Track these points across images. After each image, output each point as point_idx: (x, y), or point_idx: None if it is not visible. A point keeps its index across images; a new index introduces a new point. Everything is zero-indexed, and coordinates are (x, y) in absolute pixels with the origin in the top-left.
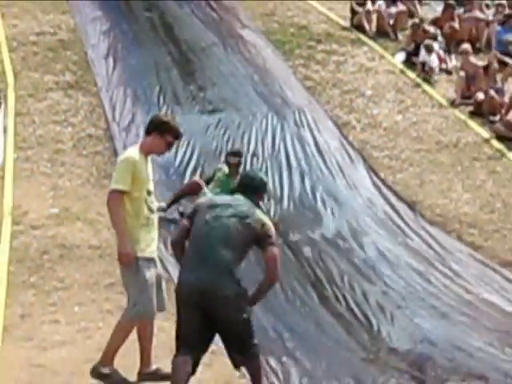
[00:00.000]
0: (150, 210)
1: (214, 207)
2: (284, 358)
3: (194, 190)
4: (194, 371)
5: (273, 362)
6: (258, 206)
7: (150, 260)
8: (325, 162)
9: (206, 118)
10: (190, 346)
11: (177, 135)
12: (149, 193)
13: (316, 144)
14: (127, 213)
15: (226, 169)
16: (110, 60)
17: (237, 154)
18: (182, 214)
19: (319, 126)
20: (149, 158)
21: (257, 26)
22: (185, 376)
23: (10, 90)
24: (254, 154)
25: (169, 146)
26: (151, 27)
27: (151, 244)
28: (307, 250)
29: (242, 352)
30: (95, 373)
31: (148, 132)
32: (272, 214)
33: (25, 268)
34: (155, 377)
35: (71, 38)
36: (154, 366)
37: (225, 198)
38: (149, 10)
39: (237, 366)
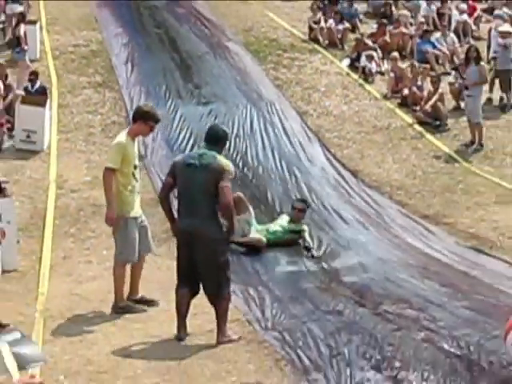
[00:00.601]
0: (136, 180)
1: (189, 165)
2: (260, 288)
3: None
4: (193, 296)
5: (251, 291)
6: (220, 153)
7: (136, 218)
8: (290, 141)
9: (201, 108)
10: (186, 276)
11: (157, 120)
12: (135, 167)
13: (283, 128)
14: (119, 183)
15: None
16: (129, 65)
17: (303, 201)
18: None
19: (285, 114)
20: (136, 140)
21: (239, 39)
22: (185, 305)
23: (54, 88)
24: (237, 136)
25: (151, 129)
26: (159, 40)
27: (135, 206)
28: (276, 205)
29: (217, 292)
30: (114, 309)
31: (134, 120)
32: (250, 179)
33: (66, 222)
34: (140, 302)
35: (99, 48)
36: (139, 295)
37: (194, 156)
38: (158, 27)
39: (212, 304)
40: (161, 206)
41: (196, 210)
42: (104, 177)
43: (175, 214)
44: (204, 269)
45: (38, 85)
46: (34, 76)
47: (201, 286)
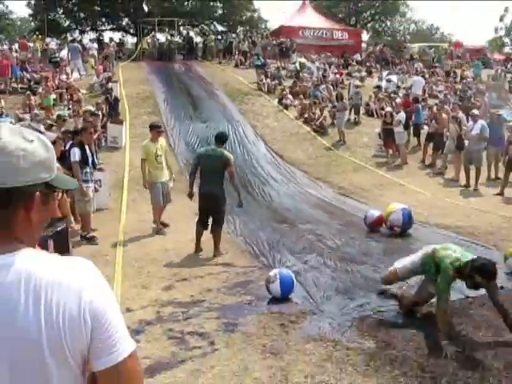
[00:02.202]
0: (157, 162)
1: (207, 155)
2: (234, 217)
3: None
4: (205, 227)
5: (230, 218)
6: (225, 148)
7: (160, 183)
8: (248, 141)
9: (202, 124)
10: (202, 217)
11: (158, 126)
12: (157, 156)
13: (244, 134)
14: (148, 165)
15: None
16: (165, 103)
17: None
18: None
19: (246, 127)
20: (159, 140)
21: (221, 88)
22: (201, 230)
23: (127, 114)
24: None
25: (158, 133)
26: (180, 90)
27: (159, 176)
28: (242, 174)
29: (218, 223)
30: (156, 232)
31: (150, 130)
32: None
33: (133, 184)
34: (163, 224)
35: (150, 94)
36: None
37: (210, 150)
38: (180, 83)
39: (211, 232)
40: (189, 178)
41: (212, 181)
42: (141, 163)
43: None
44: (213, 212)
45: (113, 96)
46: (111, 90)
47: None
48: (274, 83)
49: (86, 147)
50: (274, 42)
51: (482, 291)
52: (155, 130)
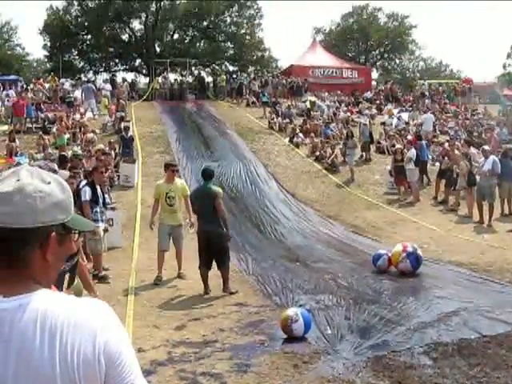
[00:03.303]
0: (168, 205)
1: (198, 194)
2: (246, 255)
3: None
4: (209, 268)
5: (242, 257)
6: (213, 183)
7: (169, 226)
8: (259, 179)
9: (215, 163)
10: (205, 254)
11: (173, 165)
12: (168, 197)
13: (256, 172)
14: (160, 205)
15: None
16: (177, 142)
17: None
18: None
19: (257, 166)
20: (175, 181)
21: (232, 127)
22: (206, 271)
23: (139, 153)
24: (233, 177)
25: (173, 172)
26: (193, 130)
27: (168, 219)
28: (254, 212)
29: (223, 261)
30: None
31: (165, 170)
32: (239, 197)
33: (145, 222)
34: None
35: (162, 134)
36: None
37: (199, 188)
38: (192, 122)
39: (218, 267)
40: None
41: (208, 219)
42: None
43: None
44: (215, 252)
45: (129, 135)
46: (127, 128)
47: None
48: (285, 122)
49: (98, 187)
50: (285, 81)
51: (499, 329)
52: (169, 169)
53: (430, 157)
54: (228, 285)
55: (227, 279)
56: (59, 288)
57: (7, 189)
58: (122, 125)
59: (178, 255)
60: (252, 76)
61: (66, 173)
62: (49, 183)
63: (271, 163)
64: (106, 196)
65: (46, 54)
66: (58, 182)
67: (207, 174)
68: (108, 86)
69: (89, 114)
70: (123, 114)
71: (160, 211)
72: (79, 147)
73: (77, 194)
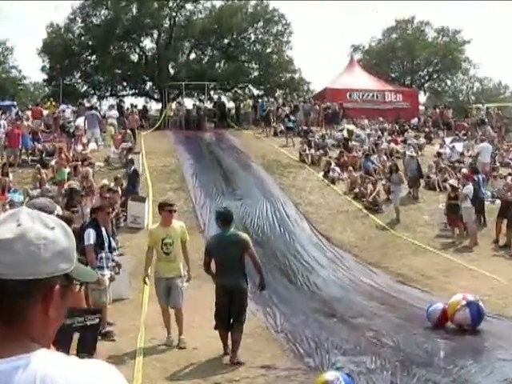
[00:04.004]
0: (164, 252)
1: (220, 244)
2: (274, 309)
3: None
4: (229, 328)
5: (269, 311)
6: (235, 228)
7: (166, 279)
8: (289, 219)
9: (237, 202)
10: (224, 311)
11: (170, 204)
12: (165, 244)
13: (285, 212)
14: (156, 254)
15: None
16: (194, 177)
17: None
18: None
19: (287, 204)
20: (173, 225)
21: (258, 161)
22: (225, 333)
23: (150, 191)
24: (258, 217)
25: (170, 212)
26: (211, 162)
27: (165, 270)
28: (282, 258)
29: (239, 320)
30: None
31: (160, 213)
32: (265, 241)
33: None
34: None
35: (176, 168)
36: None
37: (220, 237)
38: (211, 154)
39: (232, 332)
40: (207, 273)
41: (232, 272)
42: (146, 251)
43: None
44: (236, 309)
45: (132, 168)
46: (131, 162)
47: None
48: (319, 154)
49: (103, 228)
50: (318, 107)
51: None
52: (165, 209)
53: (487, 193)
54: (238, 354)
55: (238, 346)
56: (65, 348)
57: (7, 235)
58: (130, 157)
59: (178, 316)
60: (280, 101)
61: (71, 215)
62: (52, 229)
63: (303, 202)
64: (112, 239)
65: (45, 77)
66: (62, 227)
67: (225, 219)
68: (114, 113)
69: (92, 145)
70: (131, 144)
71: (155, 261)
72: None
73: (79, 236)
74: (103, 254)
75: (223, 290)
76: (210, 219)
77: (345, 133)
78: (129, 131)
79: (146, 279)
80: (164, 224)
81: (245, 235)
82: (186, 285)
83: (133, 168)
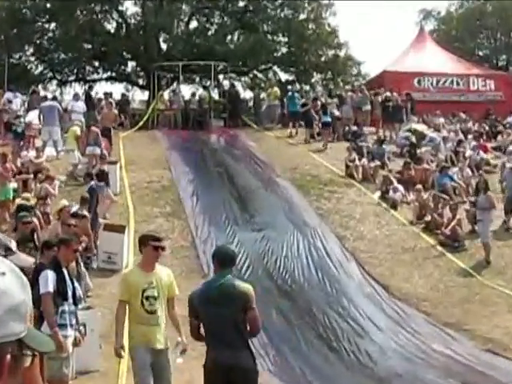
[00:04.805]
0: (147, 311)
1: (211, 298)
2: None
3: None
4: None
5: None
6: (234, 274)
7: (149, 350)
8: (331, 260)
9: (255, 234)
10: None
11: (157, 238)
12: (147, 298)
13: (325, 250)
14: (131, 313)
15: None
16: (194, 198)
17: None
18: None
19: (327, 238)
20: (157, 270)
21: (286, 175)
22: None
23: (131, 217)
24: (285, 257)
25: (156, 249)
26: (219, 177)
27: (148, 336)
28: (321, 316)
29: None
30: None
31: (140, 250)
32: (297, 293)
33: None
34: None
35: (169, 184)
36: None
37: (215, 287)
38: (218, 166)
39: None
40: (195, 339)
41: (227, 343)
42: (116, 310)
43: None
44: None
45: (90, 185)
46: (87, 177)
47: None
48: (374, 165)
49: (65, 270)
50: (373, 98)
51: None
52: (149, 244)
53: None
54: None
55: None
56: None
57: None
58: (97, 168)
59: None
60: (319, 89)
61: (31, 259)
62: (3, 274)
63: (350, 234)
64: (78, 286)
65: None
66: (15, 273)
67: (223, 259)
68: (81, 106)
69: (50, 150)
70: (105, 151)
71: (131, 323)
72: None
73: (32, 282)
74: (66, 307)
75: (214, 370)
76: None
77: (411, 136)
78: (96, 129)
79: (122, 351)
80: (145, 267)
81: (245, 286)
82: (180, 360)
83: (91, 185)
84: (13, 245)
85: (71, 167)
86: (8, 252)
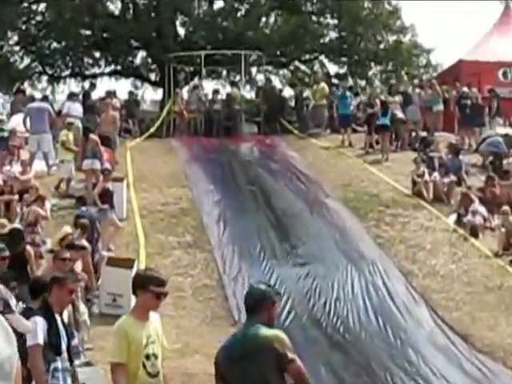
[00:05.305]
0: (150, 374)
1: (233, 358)
2: None
3: None
4: None
5: None
6: (270, 320)
7: None
8: (394, 303)
9: (298, 270)
10: None
11: (161, 282)
12: (148, 357)
13: (387, 289)
14: (129, 376)
15: None
16: (221, 224)
17: None
18: None
19: (389, 274)
20: (152, 319)
21: (337, 195)
22: None
23: (142, 249)
24: (337, 299)
25: (158, 296)
26: (253, 197)
27: None
28: (382, 373)
29: None
30: None
31: (134, 293)
32: (352, 344)
33: None
34: None
35: (189, 206)
36: None
37: (233, 344)
38: (251, 183)
39: None
40: None
41: None
42: (113, 376)
43: None
44: None
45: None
46: (79, 201)
47: None
48: (449, 181)
49: (58, 317)
50: (447, 96)
51: None
52: (153, 291)
53: None
54: None
55: None
56: None
57: None
58: (99, 187)
59: None
60: (376, 84)
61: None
62: None
63: (419, 269)
64: (76, 337)
65: None
66: (3, 327)
67: (250, 301)
68: (78, 108)
69: (39, 165)
70: (108, 164)
71: None
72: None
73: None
74: (59, 364)
75: None
76: None
77: (501, 142)
78: (95, 138)
79: None
80: (140, 316)
81: (272, 333)
82: None
83: (81, 211)
84: (13, 302)
85: (63, 184)
86: (6, 309)
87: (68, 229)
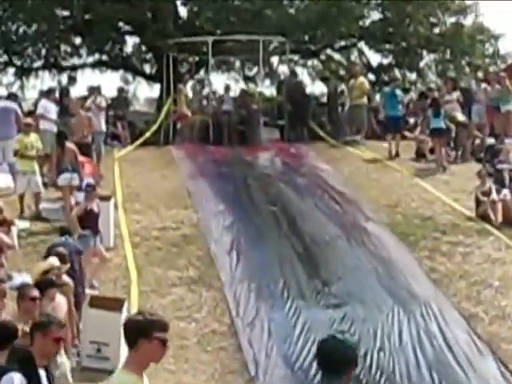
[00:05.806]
0: None
1: None
2: None
3: None
4: None
5: None
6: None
7: None
8: (453, 355)
9: (331, 312)
10: None
11: (163, 326)
12: None
13: (443, 337)
14: None
15: None
16: (234, 254)
17: None
18: None
19: (446, 318)
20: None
21: (380, 217)
22: None
23: (134, 285)
24: (381, 349)
25: (164, 343)
26: (274, 220)
27: None
28: None
29: None
30: None
31: (132, 343)
32: None
33: None
34: None
35: (194, 232)
36: None
37: None
38: (272, 203)
39: None
40: None
41: None
42: None
43: None
44: None
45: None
46: (62, 232)
47: None
48: None
49: (42, 372)
50: None
51: None
52: (158, 337)
53: None
54: None
55: None
56: None
57: None
58: (82, 208)
59: None
60: (431, 78)
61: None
62: None
63: (485, 312)
64: None
65: None
66: None
67: (326, 360)
68: (51, 108)
69: (4, 179)
70: (91, 179)
71: None
72: None
73: None
74: None
75: None
76: (271, 356)
77: None
78: (72, 147)
79: None
80: (139, 371)
81: None
82: None
83: (61, 240)
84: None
85: (32, 203)
86: None
87: (54, 260)
